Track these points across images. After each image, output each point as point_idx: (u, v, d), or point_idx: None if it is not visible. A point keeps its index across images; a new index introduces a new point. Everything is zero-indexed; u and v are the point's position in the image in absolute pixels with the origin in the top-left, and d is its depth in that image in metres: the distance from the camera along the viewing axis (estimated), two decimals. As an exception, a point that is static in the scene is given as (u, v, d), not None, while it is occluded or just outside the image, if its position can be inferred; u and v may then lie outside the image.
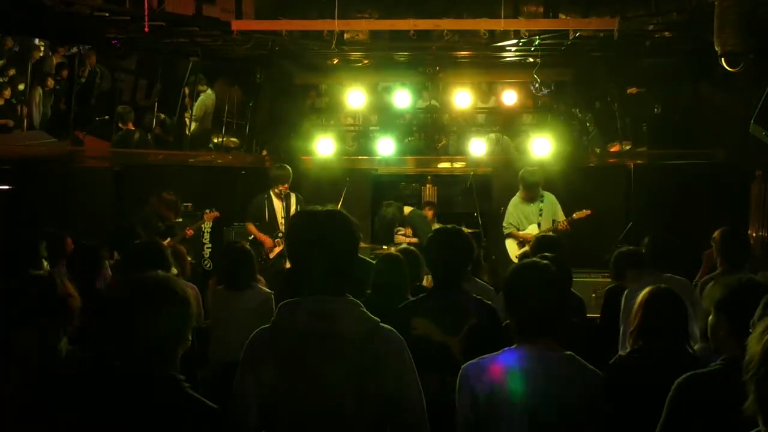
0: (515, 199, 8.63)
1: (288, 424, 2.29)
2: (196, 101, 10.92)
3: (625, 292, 4.79)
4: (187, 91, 10.55)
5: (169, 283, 2.33)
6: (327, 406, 2.25)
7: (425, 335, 3.42)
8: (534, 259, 2.85)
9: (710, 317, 2.64)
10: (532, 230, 8.40)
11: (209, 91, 11.10)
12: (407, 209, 9.21)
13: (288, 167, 8.31)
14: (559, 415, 2.54)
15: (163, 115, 10.69)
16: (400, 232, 8.77)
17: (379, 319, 2.35)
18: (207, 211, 8.34)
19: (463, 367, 2.68)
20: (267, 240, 8.10)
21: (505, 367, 2.61)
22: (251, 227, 8.22)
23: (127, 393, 2.22)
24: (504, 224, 8.61)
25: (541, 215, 8.51)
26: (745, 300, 2.48)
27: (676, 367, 2.97)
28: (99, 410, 2.20)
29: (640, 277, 4.77)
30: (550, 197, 8.55)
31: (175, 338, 2.29)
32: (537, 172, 8.61)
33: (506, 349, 2.66)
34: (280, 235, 8.09)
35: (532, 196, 8.49)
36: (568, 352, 2.65)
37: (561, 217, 8.45)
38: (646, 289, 3.29)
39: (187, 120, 10.89)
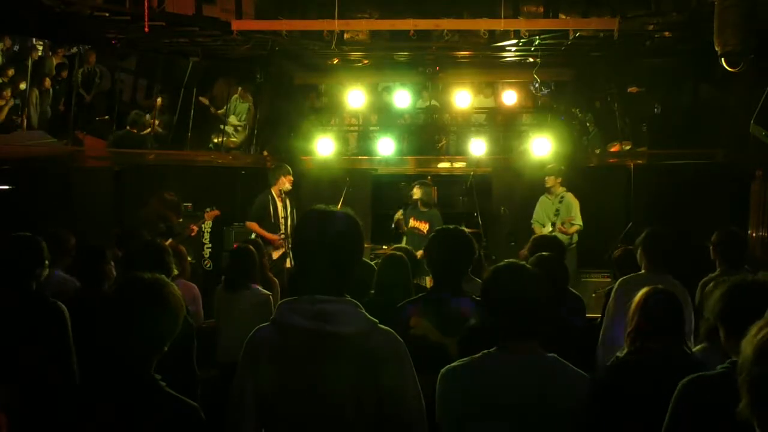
0: (542, 197, 8.92)
1: (286, 424, 2.29)
2: (234, 111, 11.01)
3: (615, 287, 4.78)
4: (206, 100, 10.58)
5: (157, 286, 2.30)
6: (324, 406, 2.24)
7: (423, 335, 3.42)
8: (512, 260, 2.81)
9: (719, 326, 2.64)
10: (547, 229, 8.52)
11: (250, 98, 11.20)
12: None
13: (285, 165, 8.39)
14: (540, 418, 2.49)
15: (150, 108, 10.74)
16: (413, 224, 8.73)
17: (377, 320, 2.34)
18: (207, 209, 8.33)
19: (442, 370, 2.64)
20: (274, 237, 8.09)
21: (483, 371, 2.57)
22: (255, 226, 8.18)
23: (108, 392, 2.21)
24: (531, 220, 8.98)
25: (557, 215, 8.64)
26: (739, 303, 2.47)
27: (674, 368, 2.97)
28: (79, 410, 2.19)
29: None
30: (568, 199, 8.70)
31: (157, 341, 2.28)
32: (551, 167, 8.92)
33: (485, 352, 2.61)
34: (283, 236, 8.09)
35: (546, 190, 8.85)
36: (551, 354, 2.59)
37: (577, 220, 8.56)
38: (643, 290, 3.28)
39: (226, 129, 10.96)
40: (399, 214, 8.87)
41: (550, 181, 8.80)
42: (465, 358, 2.63)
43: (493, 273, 2.70)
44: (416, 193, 8.70)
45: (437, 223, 8.23)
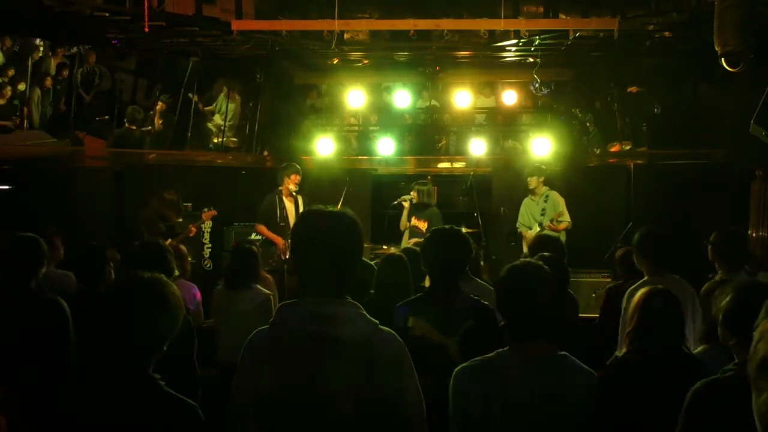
0: (526, 199, 8.83)
1: (285, 426, 2.28)
2: (222, 109, 11.01)
3: (627, 291, 4.76)
4: (195, 97, 10.58)
5: (157, 286, 2.30)
6: (324, 408, 2.23)
7: (423, 336, 3.42)
8: (527, 259, 2.82)
9: (719, 328, 2.65)
10: (534, 230, 8.49)
11: (237, 97, 11.18)
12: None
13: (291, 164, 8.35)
14: (553, 416, 2.52)
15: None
16: (414, 223, 8.71)
17: (378, 322, 2.33)
18: (205, 210, 8.30)
19: (455, 370, 2.65)
20: (280, 240, 8.02)
21: (497, 370, 2.58)
22: (262, 228, 8.06)
23: (106, 392, 2.21)
24: (517, 224, 8.89)
25: (543, 214, 8.61)
26: (748, 306, 2.48)
27: (673, 368, 2.97)
28: (78, 410, 2.19)
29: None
30: (553, 197, 8.64)
31: (156, 340, 2.28)
32: (531, 168, 8.84)
33: (498, 351, 2.63)
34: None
35: (530, 191, 8.75)
36: (562, 352, 2.62)
37: (565, 216, 8.53)
38: (643, 290, 3.28)
39: (209, 126, 10.92)
40: (407, 198, 8.75)
41: (532, 182, 8.74)
42: (478, 358, 2.64)
43: (507, 272, 2.71)
44: (414, 196, 8.68)
45: (436, 221, 8.22)
